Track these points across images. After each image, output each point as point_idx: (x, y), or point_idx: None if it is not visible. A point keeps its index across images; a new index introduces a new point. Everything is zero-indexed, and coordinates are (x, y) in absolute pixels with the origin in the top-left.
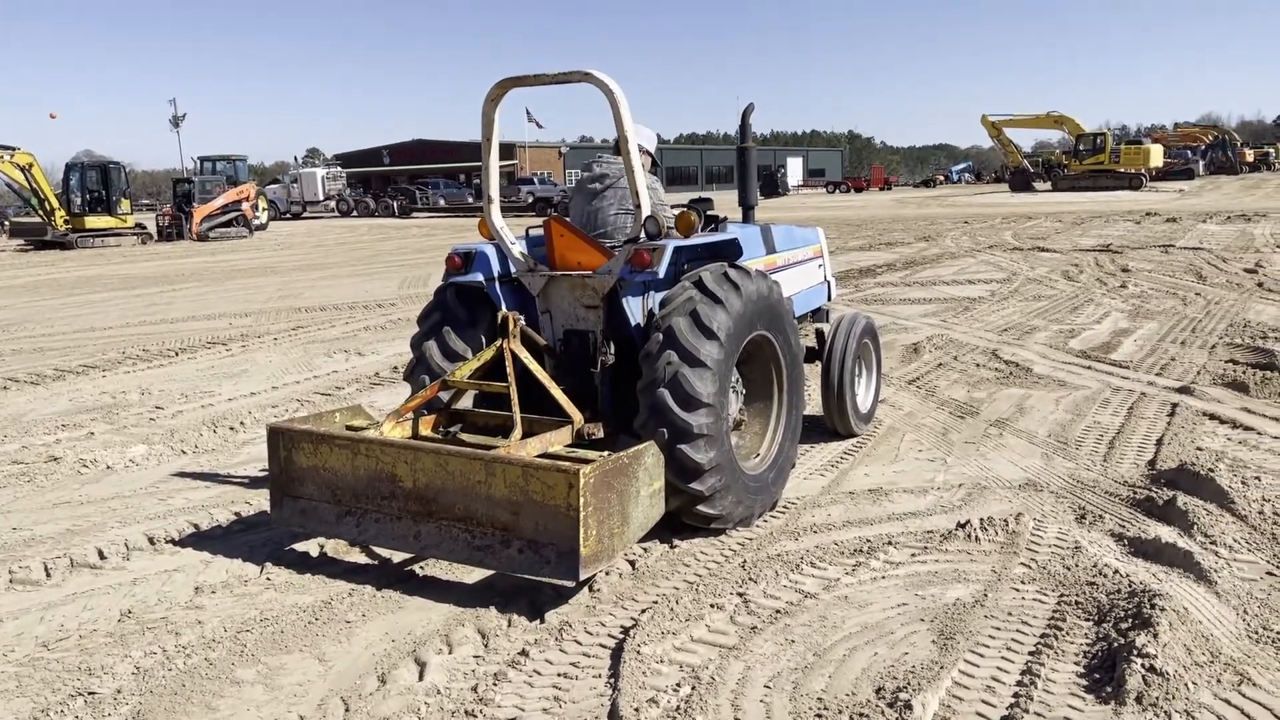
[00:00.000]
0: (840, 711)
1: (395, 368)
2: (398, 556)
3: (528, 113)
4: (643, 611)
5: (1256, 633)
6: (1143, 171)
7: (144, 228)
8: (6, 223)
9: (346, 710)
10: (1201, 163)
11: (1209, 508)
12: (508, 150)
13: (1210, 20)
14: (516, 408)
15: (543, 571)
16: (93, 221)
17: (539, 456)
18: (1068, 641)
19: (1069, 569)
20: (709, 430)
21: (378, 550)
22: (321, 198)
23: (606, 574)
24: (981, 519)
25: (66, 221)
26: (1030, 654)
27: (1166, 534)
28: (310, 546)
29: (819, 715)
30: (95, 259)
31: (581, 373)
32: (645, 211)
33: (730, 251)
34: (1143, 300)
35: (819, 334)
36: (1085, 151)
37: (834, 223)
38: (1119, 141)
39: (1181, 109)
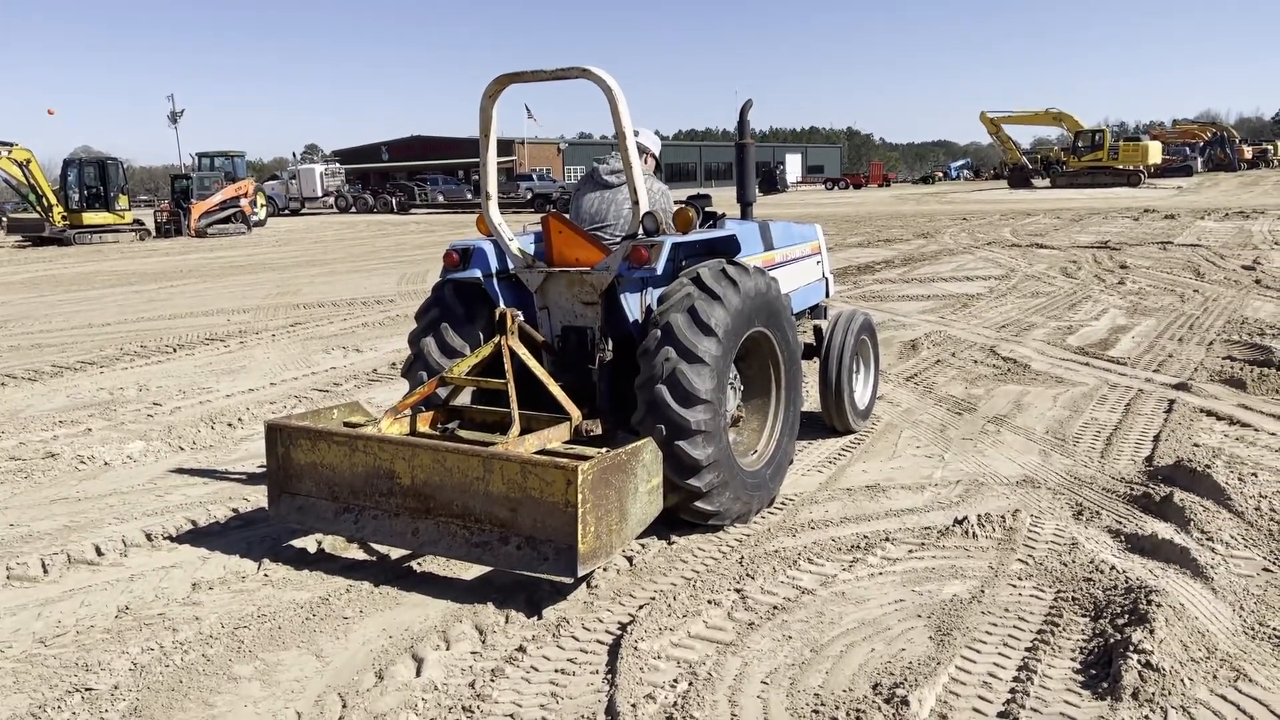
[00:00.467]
0: (837, 707)
1: (393, 364)
2: (395, 553)
3: (526, 109)
4: (640, 608)
5: (1252, 629)
6: (1141, 168)
7: (142, 224)
8: (5, 219)
9: (344, 706)
10: (1200, 159)
11: (1206, 504)
12: (506, 146)
13: (1209, 17)
14: (514, 404)
15: (540, 568)
16: (91, 218)
17: (537, 453)
18: (1064, 637)
19: (1066, 565)
20: (707, 426)
21: (375, 547)
22: (320, 194)
23: (604, 570)
24: (979, 515)
25: (64, 218)
26: (1027, 650)
27: (1163, 530)
28: (308, 543)
29: (816, 711)
30: (93, 255)
31: (579, 369)
32: (643, 208)
33: (728, 248)
34: (1141, 297)
35: (817, 331)
36: (1084, 148)
37: (832, 219)
38: (1118, 138)
39: (1180, 106)
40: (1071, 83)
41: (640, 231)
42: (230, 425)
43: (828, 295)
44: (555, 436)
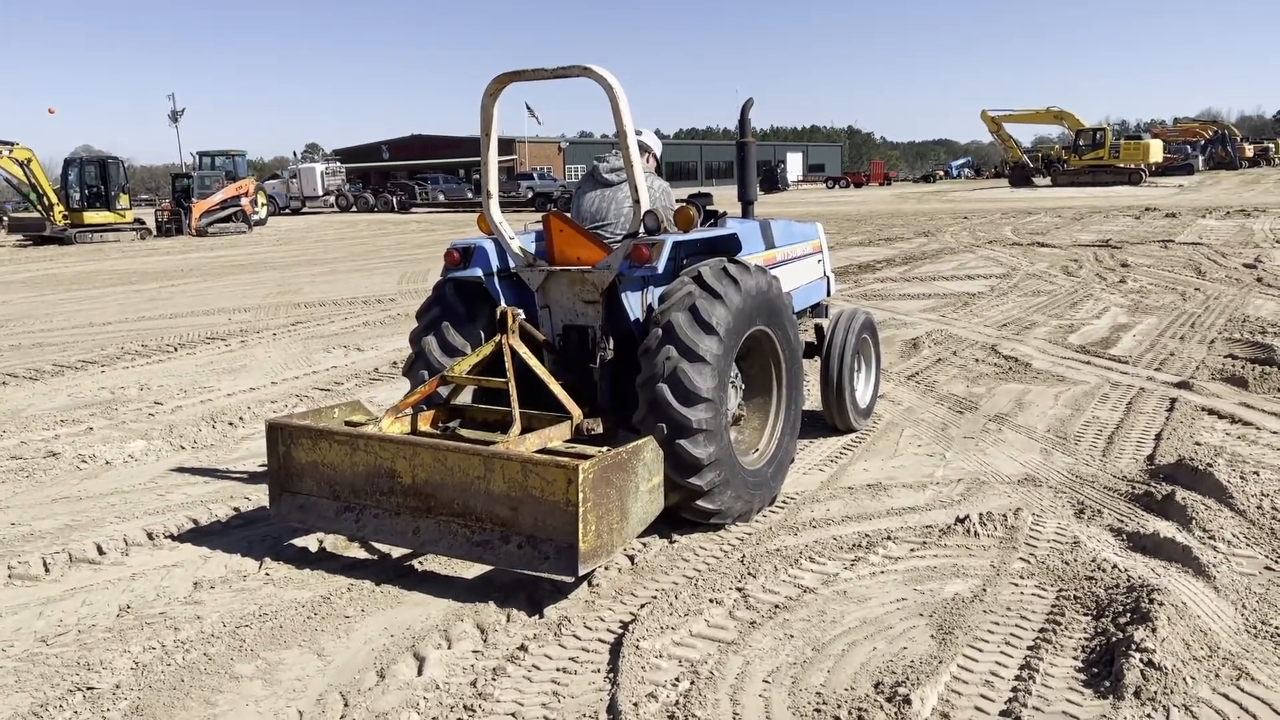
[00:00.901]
0: (839, 706)
1: (394, 363)
2: (396, 552)
3: (527, 107)
4: (642, 606)
5: (1255, 627)
6: (1142, 167)
7: (143, 223)
8: (5, 218)
9: (345, 705)
10: (1201, 158)
11: (1208, 503)
12: (507, 145)
13: (1210, 15)
14: (515, 403)
15: (542, 567)
16: (91, 217)
17: (538, 452)
18: (1066, 636)
19: (1068, 564)
20: (708, 425)
21: (377, 546)
22: (320, 193)
23: (605, 569)
24: (980, 514)
25: (65, 217)
26: (1029, 649)
27: (1165, 529)
28: (309, 542)
29: (818, 710)
30: (94, 254)
31: (580, 368)
32: (644, 206)
33: (729, 247)
34: (1142, 295)
35: (818, 329)
36: (1085, 147)
37: (833, 218)
38: (1119, 137)
39: (1181, 104)
40: (1072, 81)
41: (641, 230)
42: (231, 424)
43: (829, 294)
44: (556, 435)
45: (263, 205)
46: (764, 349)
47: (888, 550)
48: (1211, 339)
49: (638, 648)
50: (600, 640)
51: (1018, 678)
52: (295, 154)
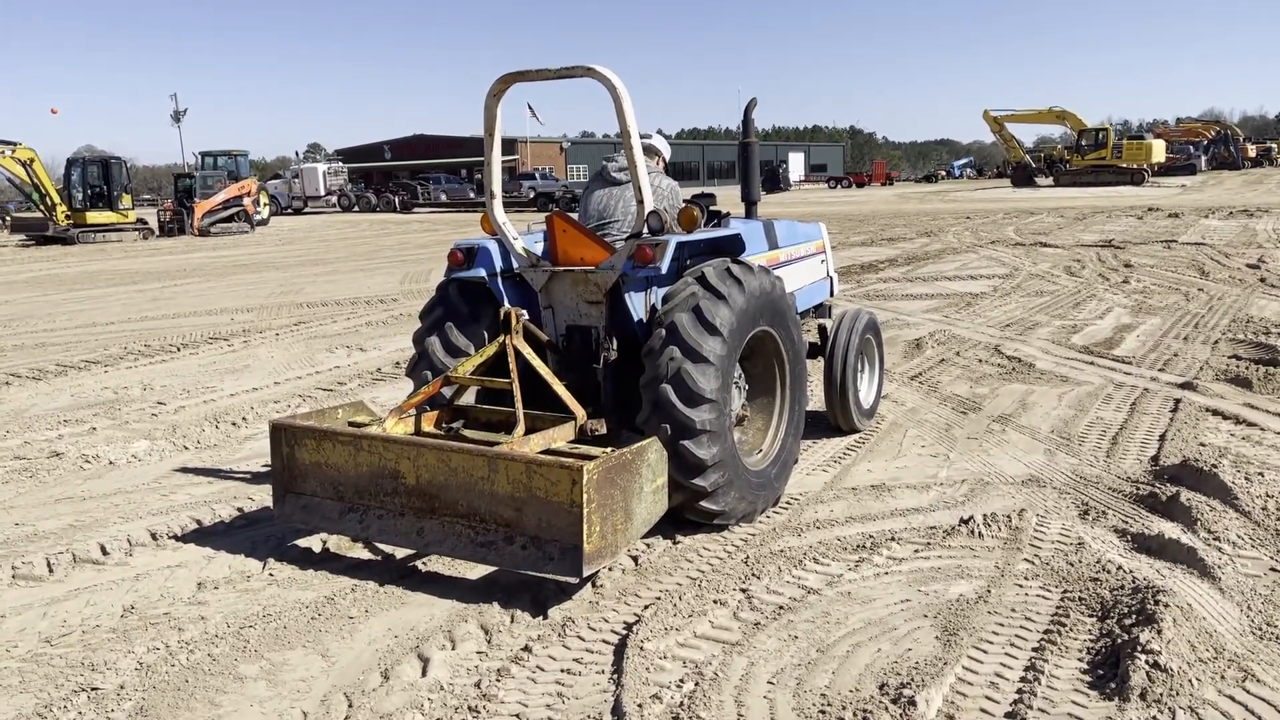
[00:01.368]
0: (844, 708)
1: (397, 363)
2: (400, 552)
3: (530, 108)
4: (646, 607)
5: (1260, 629)
6: (1145, 167)
7: (145, 223)
8: (8, 218)
9: (350, 706)
10: (1204, 158)
11: (1212, 504)
12: (509, 145)
13: (1213, 15)
14: (519, 404)
15: (546, 568)
16: (94, 217)
17: (542, 453)
18: (1071, 638)
19: (1072, 565)
20: (712, 426)
21: (380, 546)
22: (323, 193)
23: (609, 570)
24: (984, 515)
25: (68, 217)
26: (1034, 650)
27: (1170, 530)
28: (313, 542)
29: (823, 711)
30: (97, 254)
31: (584, 368)
32: (648, 206)
33: (733, 247)
34: (1145, 296)
35: (821, 330)
36: (1087, 147)
37: (836, 218)
38: (1121, 137)
39: (1184, 104)
40: (1075, 81)
41: (645, 230)
42: (234, 424)
43: (832, 294)
44: (560, 436)
45: (265, 205)
46: (768, 349)
47: (892, 551)
48: (1215, 340)
49: (642, 649)
50: (604, 641)
51: (1023, 679)
52: (297, 154)
